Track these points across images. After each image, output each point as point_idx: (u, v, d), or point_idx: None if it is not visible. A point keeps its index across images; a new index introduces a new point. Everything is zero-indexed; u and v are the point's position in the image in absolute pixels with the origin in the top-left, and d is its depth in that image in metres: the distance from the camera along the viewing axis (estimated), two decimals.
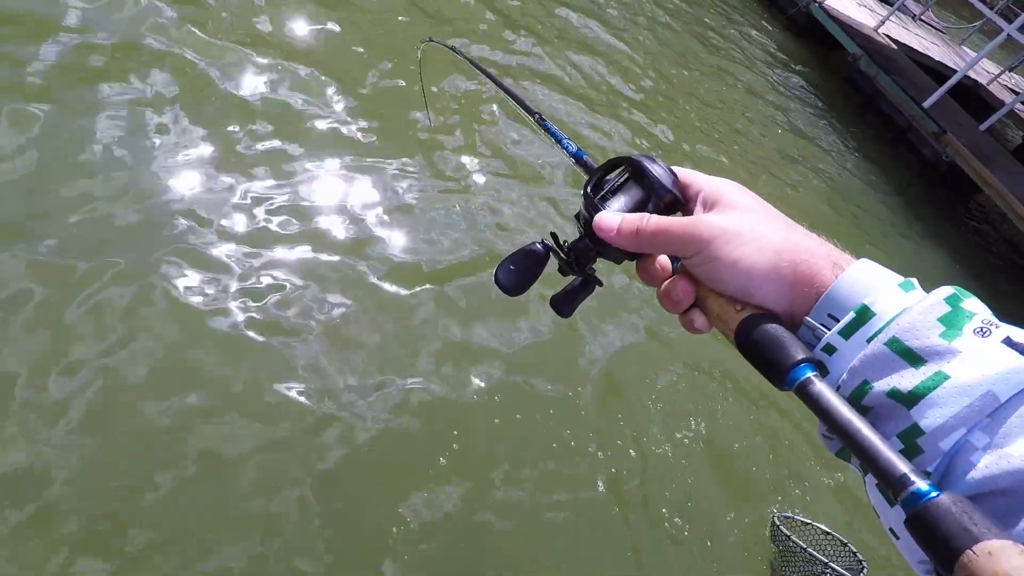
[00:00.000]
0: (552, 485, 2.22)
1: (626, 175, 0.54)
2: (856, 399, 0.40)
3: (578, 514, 2.19)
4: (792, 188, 5.25)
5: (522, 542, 2.05)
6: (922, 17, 12.06)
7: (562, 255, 0.56)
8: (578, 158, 0.63)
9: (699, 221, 0.47)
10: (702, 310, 0.49)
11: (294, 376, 2.03)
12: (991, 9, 9.31)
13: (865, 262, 0.44)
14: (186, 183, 2.32)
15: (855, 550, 2.32)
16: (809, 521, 2.41)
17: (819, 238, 0.47)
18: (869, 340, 0.40)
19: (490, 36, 4.33)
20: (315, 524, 1.80)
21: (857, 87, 8.14)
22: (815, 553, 2.27)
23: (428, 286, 2.51)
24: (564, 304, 0.57)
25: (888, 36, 9.35)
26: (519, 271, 0.56)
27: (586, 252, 0.54)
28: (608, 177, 0.55)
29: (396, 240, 2.62)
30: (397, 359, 2.25)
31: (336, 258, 2.41)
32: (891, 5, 10.42)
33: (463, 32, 4.22)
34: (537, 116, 0.69)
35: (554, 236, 0.57)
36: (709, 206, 0.49)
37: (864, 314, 0.41)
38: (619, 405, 2.61)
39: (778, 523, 2.37)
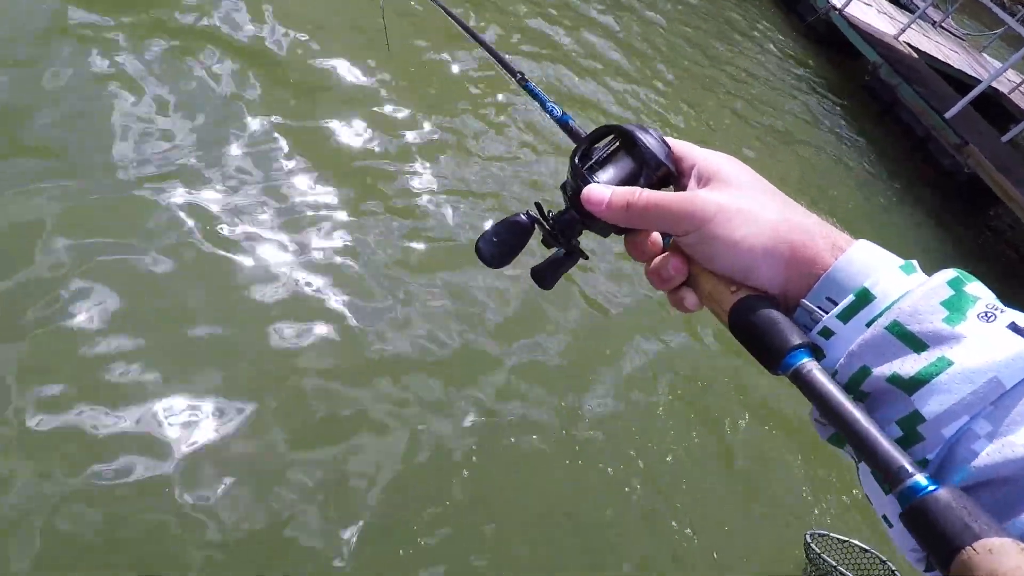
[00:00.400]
0: (565, 493, 2.22)
1: (616, 144, 0.52)
2: (854, 384, 0.39)
3: (597, 527, 2.18)
4: (799, 193, 5.22)
5: (530, 546, 2.05)
6: (942, 24, 11.93)
7: (547, 227, 0.53)
8: (563, 123, 0.60)
9: (695, 197, 0.45)
10: (694, 289, 0.48)
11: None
12: (1012, 17, 9.20)
13: (864, 243, 0.42)
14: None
15: (894, 568, 2.28)
16: (845, 538, 2.36)
17: (818, 218, 0.45)
18: (869, 324, 0.39)
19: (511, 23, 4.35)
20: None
21: (875, 95, 8.06)
22: (847, 573, 2.24)
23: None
24: (546, 275, 0.55)
25: (909, 44, 9.25)
26: (502, 243, 0.54)
27: (572, 224, 0.52)
28: (597, 146, 0.53)
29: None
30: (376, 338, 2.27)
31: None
32: (911, 13, 10.32)
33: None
34: (519, 76, 0.66)
35: (539, 206, 0.55)
36: (704, 181, 0.47)
37: (864, 297, 0.39)
38: (636, 412, 2.60)
39: (810, 541, 2.32)
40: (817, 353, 0.41)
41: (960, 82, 9.33)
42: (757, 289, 0.44)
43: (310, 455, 1.93)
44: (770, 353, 0.41)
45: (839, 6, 8.36)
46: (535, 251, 0.54)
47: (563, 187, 0.53)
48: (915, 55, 9.11)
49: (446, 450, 2.11)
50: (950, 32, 12.27)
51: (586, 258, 0.55)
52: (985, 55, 12.53)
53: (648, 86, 4.94)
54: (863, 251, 0.41)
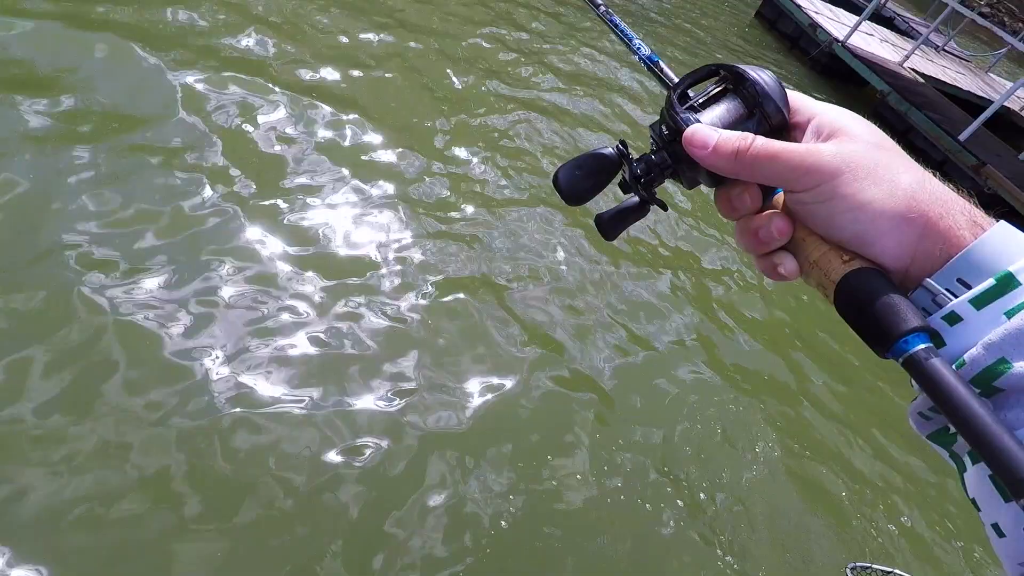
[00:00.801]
0: (597, 519, 2.20)
1: (722, 87, 0.46)
2: (986, 379, 0.34)
3: (636, 550, 2.15)
4: None
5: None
6: (946, 48, 12.06)
7: (633, 167, 0.48)
8: (651, 63, 0.53)
9: (820, 149, 0.40)
10: (795, 255, 0.43)
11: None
12: (1015, 35, 9.30)
13: (1007, 225, 0.37)
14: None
15: None
16: (889, 569, 2.28)
17: (953, 191, 0.40)
18: (1009, 313, 0.34)
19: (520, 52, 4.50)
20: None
21: (886, 122, 8.12)
22: None
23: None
24: (612, 224, 0.50)
25: (915, 70, 9.36)
26: (585, 176, 0.48)
27: (661, 168, 0.46)
28: (690, 93, 0.47)
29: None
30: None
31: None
32: (912, 39, 10.47)
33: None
34: (602, 8, 0.59)
35: (624, 144, 0.49)
36: (826, 136, 0.42)
37: (1006, 283, 0.35)
38: (669, 436, 2.58)
39: (851, 575, 2.25)
40: (936, 341, 0.37)
41: (969, 103, 9.37)
42: (874, 262, 0.39)
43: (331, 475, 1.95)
44: (882, 334, 0.37)
45: (841, 38, 8.52)
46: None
47: (653, 127, 0.48)
48: (922, 80, 9.20)
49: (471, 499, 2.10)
50: (954, 55, 12.39)
51: (664, 208, 0.49)
52: (992, 74, 12.61)
53: (655, 112, 5.05)
54: (1007, 232, 0.37)
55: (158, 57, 3.07)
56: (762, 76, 0.44)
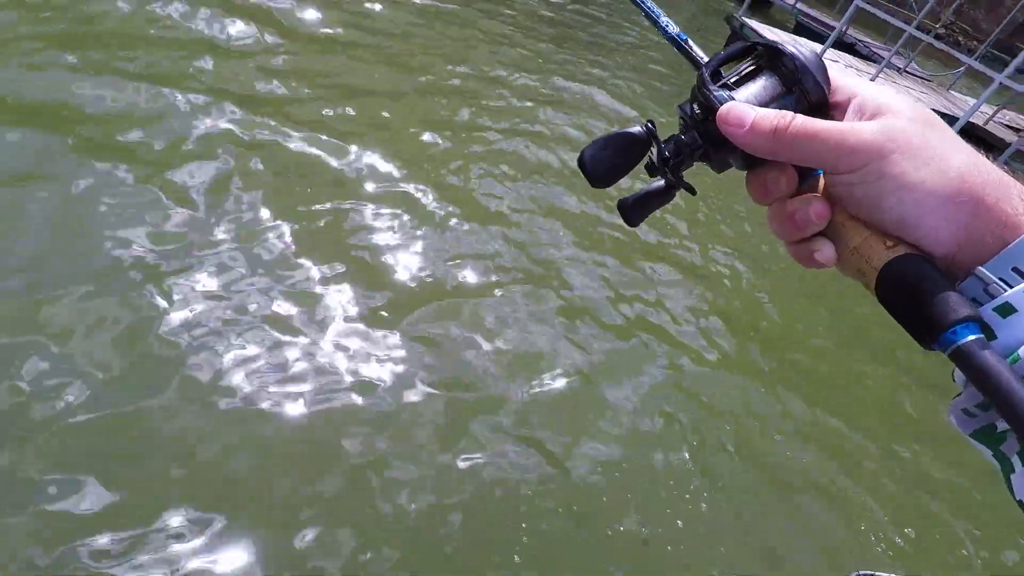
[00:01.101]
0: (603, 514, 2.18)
1: (755, 64, 0.44)
2: None
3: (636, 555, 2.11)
4: None
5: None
6: (907, 69, 12.50)
7: (662, 148, 0.46)
8: (680, 41, 0.51)
9: (864, 129, 0.38)
10: (833, 240, 0.41)
11: None
12: (970, 54, 9.67)
13: None
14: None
15: None
16: (894, 575, 2.23)
17: (1009, 175, 0.38)
18: None
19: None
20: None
21: None
22: None
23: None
24: (635, 209, 0.48)
25: None
26: (613, 155, 0.46)
27: (692, 150, 0.44)
28: (722, 72, 0.46)
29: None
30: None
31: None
32: (876, 63, 10.84)
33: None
34: None
35: (652, 124, 0.47)
36: (869, 116, 0.39)
37: None
38: (677, 441, 2.55)
39: None
40: (985, 332, 0.35)
41: None
42: (918, 247, 0.38)
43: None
44: (929, 325, 0.35)
45: None
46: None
47: (682, 107, 0.46)
48: None
49: (441, 493, 2.08)
50: (916, 75, 12.84)
51: (693, 192, 0.47)
52: (953, 92, 13.06)
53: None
54: None
55: (183, 96, 3.30)
56: (801, 50, 0.42)
